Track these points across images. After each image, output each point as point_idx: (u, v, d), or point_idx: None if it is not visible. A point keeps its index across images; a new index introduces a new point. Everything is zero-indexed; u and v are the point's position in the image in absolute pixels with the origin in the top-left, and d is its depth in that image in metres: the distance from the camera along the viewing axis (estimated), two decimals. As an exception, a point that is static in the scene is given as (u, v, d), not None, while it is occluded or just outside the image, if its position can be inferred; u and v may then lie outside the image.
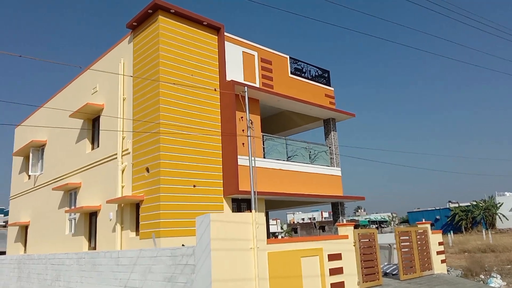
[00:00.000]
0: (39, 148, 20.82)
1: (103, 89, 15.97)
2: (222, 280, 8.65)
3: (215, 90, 13.28)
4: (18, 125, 24.41)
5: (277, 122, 20.12)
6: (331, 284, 10.89)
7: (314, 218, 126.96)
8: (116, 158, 14.25)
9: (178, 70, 13.40)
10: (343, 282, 11.25)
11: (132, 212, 13.56)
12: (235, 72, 14.92)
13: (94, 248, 15.29)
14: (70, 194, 17.59)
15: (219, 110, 14.20)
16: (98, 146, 16.00)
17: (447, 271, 18.15)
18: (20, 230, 22.15)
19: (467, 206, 63.70)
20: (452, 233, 51.25)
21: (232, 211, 13.93)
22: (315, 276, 10.60)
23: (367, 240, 12.46)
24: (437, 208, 72.00)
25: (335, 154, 18.20)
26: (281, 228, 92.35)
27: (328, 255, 11.05)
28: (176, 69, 13.33)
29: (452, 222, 63.86)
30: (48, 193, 19.03)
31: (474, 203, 62.44)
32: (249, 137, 10.74)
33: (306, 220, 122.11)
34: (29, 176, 21.56)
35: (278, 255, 9.88)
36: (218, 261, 8.69)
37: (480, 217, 60.24)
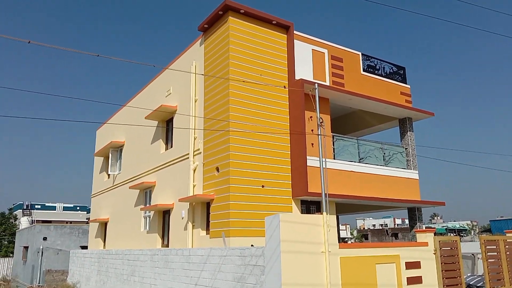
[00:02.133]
0: (118, 149, 21.97)
1: (176, 92, 16.43)
2: (292, 284, 8.38)
3: (284, 87, 13.04)
4: (100, 127, 26.03)
5: (348, 122, 19.44)
6: (408, 293, 10.18)
7: (386, 224, 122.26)
8: (188, 158, 14.53)
9: (248, 70, 13.36)
10: (422, 292, 10.47)
11: (203, 211, 13.73)
12: (304, 71, 14.59)
13: (167, 245, 15.72)
14: (145, 192, 18.29)
15: (288, 110, 13.95)
16: (171, 147, 16.47)
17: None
18: (100, 227, 23.52)
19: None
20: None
21: (301, 214, 13.58)
22: (392, 285, 9.96)
23: (449, 248, 11.52)
24: (524, 217, 66.08)
25: (412, 155, 17.15)
26: (351, 233, 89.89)
27: (406, 263, 10.35)
28: (245, 68, 13.31)
29: (543, 233, 58.11)
30: (126, 192, 19.97)
31: None
32: (319, 136, 10.36)
33: (377, 227, 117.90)
34: (109, 175, 22.82)
35: (351, 261, 9.40)
36: (288, 264, 8.43)
37: None
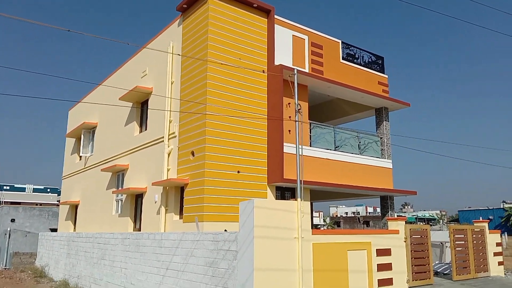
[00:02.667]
0: (90, 130, 21.40)
1: (152, 73, 16.02)
2: (264, 269, 8.34)
3: (263, 72, 12.84)
4: (72, 107, 25.28)
5: (326, 110, 19.47)
6: (378, 280, 10.33)
7: (358, 212, 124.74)
8: (163, 141, 14.26)
9: (226, 53, 13.11)
10: (391, 278, 10.64)
11: (176, 195, 13.54)
12: (284, 56, 14.45)
13: (139, 229, 15.49)
14: (118, 175, 17.92)
15: (266, 95, 13.81)
16: (146, 129, 16.13)
17: (505, 274, 16.96)
18: (71, 209, 22.99)
19: (524, 206, 60.15)
20: (506, 234, 48.51)
21: (276, 200, 13.57)
22: (362, 272, 10.07)
23: (419, 236, 11.74)
24: (490, 207, 68.50)
25: (387, 145, 17.34)
26: (324, 221, 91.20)
27: (377, 250, 10.47)
28: (224, 51, 13.05)
29: (507, 223, 60.59)
30: (97, 174, 19.53)
31: (532, 204, 58.78)
32: (296, 122, 10.27)
33: (350, 214, 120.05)
34: (80, 157, 22.25)
35: (323, 247, 9.43)
36: (261, 249, 8.38)
37: (538, 218, 56.72)
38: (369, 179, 16.33)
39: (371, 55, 17.68)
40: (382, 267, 10.49)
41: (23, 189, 53.74)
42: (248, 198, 11.57)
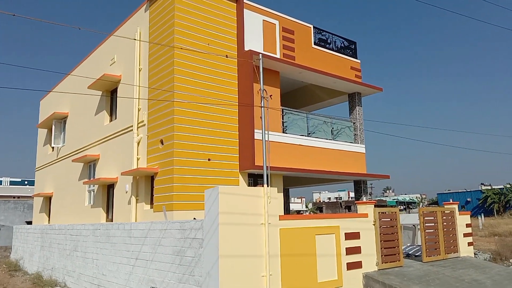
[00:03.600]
0: (61, 120, 20.92)
1: (120, 60, 15.66)
2: (230, 256, 8.28)
3: (226, 57, 12.56)
4: (44, 97, 24.65)
5: (300, 97, 19.41)
6: (347, 263, 10.40)
7: (341, 197, 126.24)
8: (132, 130, 13.99)
9: (194, 38, 12.86)
10: (360, 262, 10.74)
11: (147, 185, 13.36)
12: (254, 42, 14.25)
13: (112, 220, 15.28)
14: (90, 166, 17.60)
15: (237, 82, 13.64)
16: (116, 118, 15.81)
17: (475, 254, 17.34)
18: (44, 201, 22.57)
19: (500, 188, 61.61)
20: (483, 216, 49.72)
21: (248, 186, 13.51)
22: (331, 255, 10.12)
23: (389, 219, 11.84)
24: (468, 190, 70.02)
25: (360, 130, 17.40)
26: (306, 206, 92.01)
27: (345, 233, 10.52)
28: (191, 37, 12.79)
29: (484, 205, 62.03)
30: (70, 165, 19.15)
31: (508, 185, 60.21)
32: (262, 108, 10.16)
33: (333, 200, 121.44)
34: (53, 148, 21.76)
35: (291, 232, 9.42)
36: (226, 236, 8.31)
37: (514, 200, 58.26)
38: (343, 164, 16.39)
39: (343, 40, 17.61)
40: (351, 251, 10.55)
41: (-1, 182, 52.66)
42: (220, 185, 11.49)
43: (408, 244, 15.06)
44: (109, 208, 15.92)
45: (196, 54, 12.69)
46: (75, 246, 15.36)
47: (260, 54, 10.89)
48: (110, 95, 16.61)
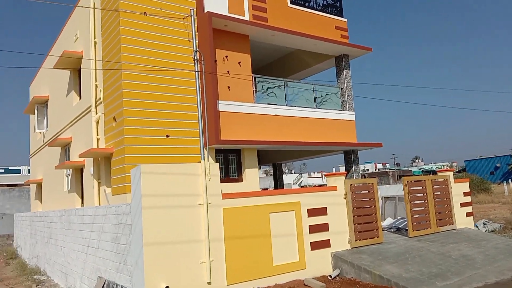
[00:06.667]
0: (43, 105, 20.26)
1: (82, 35, 14.64)
2: (157, 243, 7.27)
3: (183, 18, 11.27)
4: (31, 82, 24.08)
5: (288, 64, 18.03)
6: (311, 243, 9.26)
7: (367, 169, 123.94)
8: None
9: (144, 2, 11.62)
10: (328, 240, 9.57)
11: (107, 167, 12.47)
12: (217, 4, 12.89)
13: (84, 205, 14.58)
14: (66, 150, 16.91)
15: (196, 48, 12.38)
16: (81, 98, 14.92)
17: (483, 224, 15.86)
18: (37, 188, 22.25)
19: (532, 153, 58.46)
20: (511, 181, 47.21)
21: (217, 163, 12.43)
22: (290, 235, 8.98)
23: (366, 191, 10.55)
24: (497, 155, 66.81)
25: (348, 96, 15.92)
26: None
27: (308, 210, 9.34)
28: (138, 1, 11.54)
29: (514, 170, 59.19)
30: (52, 150, 18.57)
31: (542, 149, 56.98)
32: (196, 73, 8.96)
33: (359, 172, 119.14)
34: (40, 133, 21.25)
35: (237, 212, 8.32)
36: (152, 221, 7.29)
37: (547, 165, 55.21)
38: (330, 134, 15.05)
39: (326, -3, 15.97)
40: (315, 228, 9.39)
41: (18, 171, 53.50)
42: (181, 164, 10.46)
43: (399, 217, 13.74)
44: (83, 193, 15.22)
45: (147, 19, 11.49)
46: (50, 233, 14.80)
47: (192, 10, 9.62)
48: (78, 74, 15.69)
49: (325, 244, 9.49)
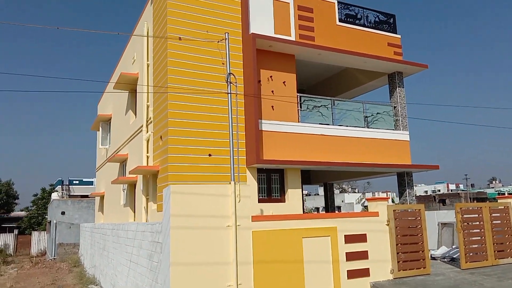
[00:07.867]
0: (107, 122, 21.56)
1: (138, 58, 15.45)
2: (184, 264, 7.34)
3: (218, 42, 11.40)
4: (99, 101, 25.80)
5: (340, 82, 17.70)
6: (348, 271, 8.85)
7: (439, 190, 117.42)
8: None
9: (190, 26, 12.01)
10: (367, 269, 9.10)
11: (154, 184, 12.90)
12: (263, 24, 13.02)
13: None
14: (123, 165, 17.78)
15: (242, 70, 12.55)
16: (136, 117, 15.67)
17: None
18: (100, 200, 23.57)
19: None
20: None
21: (258, 183, 12.40)
22: (325, 262, 8.66)
23: (412, 218, 9.94)
24: None
25: (402, 115, 15.22)
26: (392, 201, 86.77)
27: (346, 236, 8.96)
28: (187, 25, 11.94)
29: None
30: (113, 165, 19.62)
31: None
32: (229, 95, 9.01)
33: (429, 193, 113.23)
34: (104, 149, 22.59)
35: (268, 235, 8.19)
36: (179, 242, 7.39)
37: None
38: (381, 155, 14.44)
39: (378, 14, 15.51)
40: (353, 256, 8.97)
41: (91, 183, 57.20)
42: (223, 183, 10.58)
43: (454, 246, 12.73)
44: (135, 207, 15.85)
45: (192, 43, 11.87)
46: (104, 245, 15.57)
47: (226, 33, 9.72)
48: (135, 94, 16.54)
49: (364, 273, 9.02)
